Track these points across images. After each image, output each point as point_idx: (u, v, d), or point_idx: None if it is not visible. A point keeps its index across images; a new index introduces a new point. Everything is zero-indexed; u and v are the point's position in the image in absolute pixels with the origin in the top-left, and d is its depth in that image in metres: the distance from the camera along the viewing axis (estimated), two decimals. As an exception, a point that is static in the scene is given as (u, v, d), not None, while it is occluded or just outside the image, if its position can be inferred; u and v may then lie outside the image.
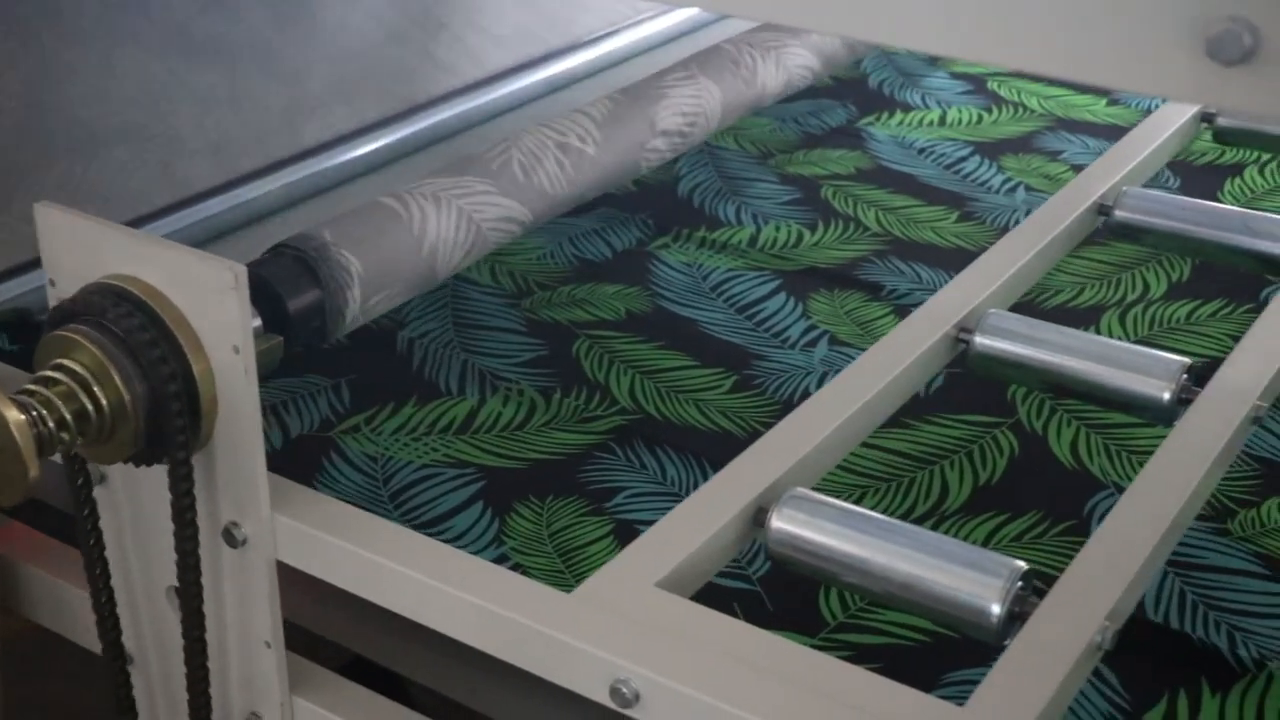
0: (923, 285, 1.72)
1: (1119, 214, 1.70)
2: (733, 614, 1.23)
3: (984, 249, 1.72)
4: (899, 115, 2.20)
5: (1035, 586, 1.08)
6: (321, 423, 1.47)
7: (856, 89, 2.28)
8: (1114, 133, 2.08)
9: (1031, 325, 1.43)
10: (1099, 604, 1.06)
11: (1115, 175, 1.77)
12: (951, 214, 1.90)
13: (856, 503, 1.35)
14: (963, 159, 2.06)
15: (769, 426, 1.46)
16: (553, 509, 1.35)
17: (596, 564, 1.26)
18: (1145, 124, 1.98)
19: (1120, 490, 1.38)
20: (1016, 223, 1.86)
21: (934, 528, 1.30)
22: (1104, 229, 1.74)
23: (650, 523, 1.18)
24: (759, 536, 1.17)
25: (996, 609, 1.04)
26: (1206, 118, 2.00)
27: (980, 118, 2.20)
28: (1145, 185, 1.87)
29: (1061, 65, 0.68)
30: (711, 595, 1.25)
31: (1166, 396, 1.32)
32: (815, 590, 1.26)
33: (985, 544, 1.31)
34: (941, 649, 1.20)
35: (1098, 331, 1.63)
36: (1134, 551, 1.12)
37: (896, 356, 1.38)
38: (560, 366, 1.56)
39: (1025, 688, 0.97)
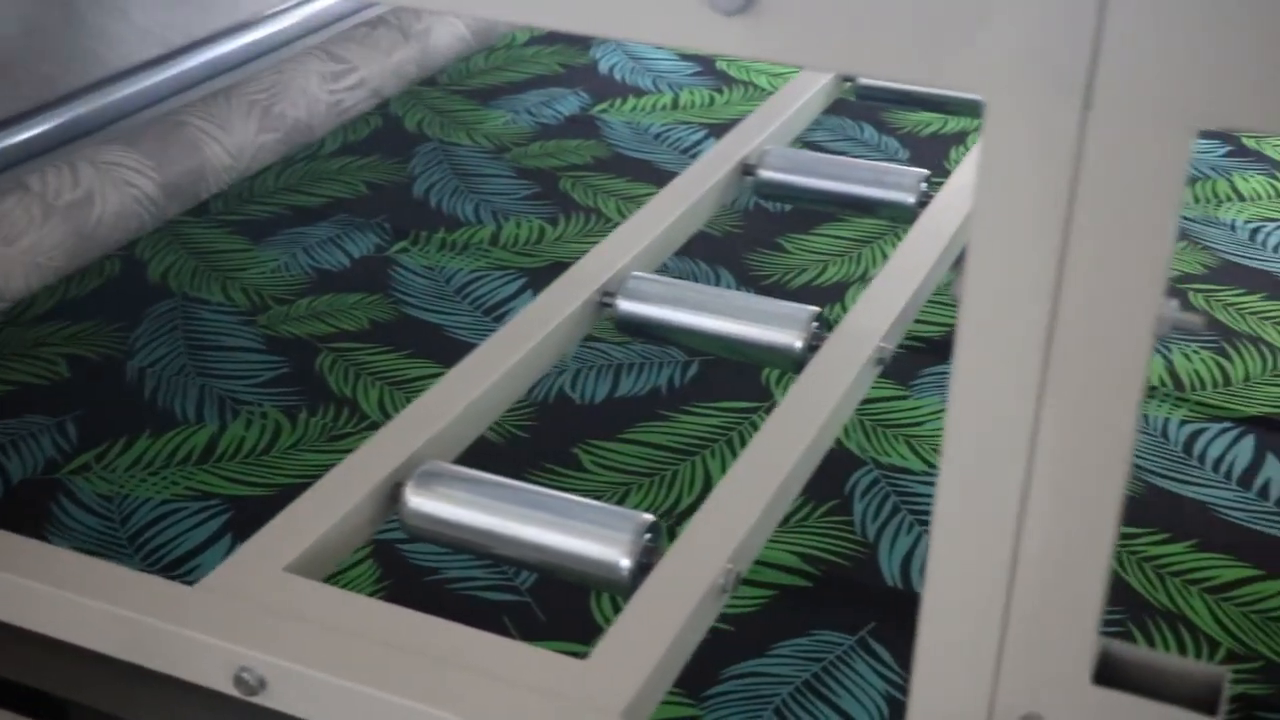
0: (668, 272, 1.71)
1: (763, 173, 1.71)
2: (502, 628, 1.19)
3: (728, 233, 1.71)
4: (631, 101, 2.18)
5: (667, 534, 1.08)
6: (46, 465, 1.37)
7: (587, 76, 2.26)
8: (861, 111, 2.11)
9: (672, 286, 1.43)
10: (720, 549, 1.06)
11: (759, 136, 1.77)
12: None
13: (619, 503, 1.33)
14: (698, 142, 2.05)
15: (526, 429, 1.42)
16: (306, 536, 1.28)
17: (356, 590, 1.21)
18: (790, 85, 1.98)
19: (879, 465, 1.39)
20: (757, 203, 1.87)
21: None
22: (750, 188, 1.75)
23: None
24: (395, 512, 1.14)
25: (626, 562, 1.05)
26: (848, 77, 2.03)
27: (712, 99, 2.20)
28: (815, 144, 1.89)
29: (596, 23, 0.69)
30: (478, 609, 1.21)
31: (798, 345, 1.35)
32: (586, 597, 1.23)
33: (753, 531, 1.30)
34: (717, 641, 1.18)
35: (844, 310, 1.64)
36: (755, 496, 1.13)
37: (539, 323, 1.36)
38: (304, 384, 1.50)
39: (649, 633, 0.98)
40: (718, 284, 1.69)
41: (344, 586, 1.23)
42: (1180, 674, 0.69)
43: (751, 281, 1.70)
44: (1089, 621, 0.67)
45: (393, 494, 1.13)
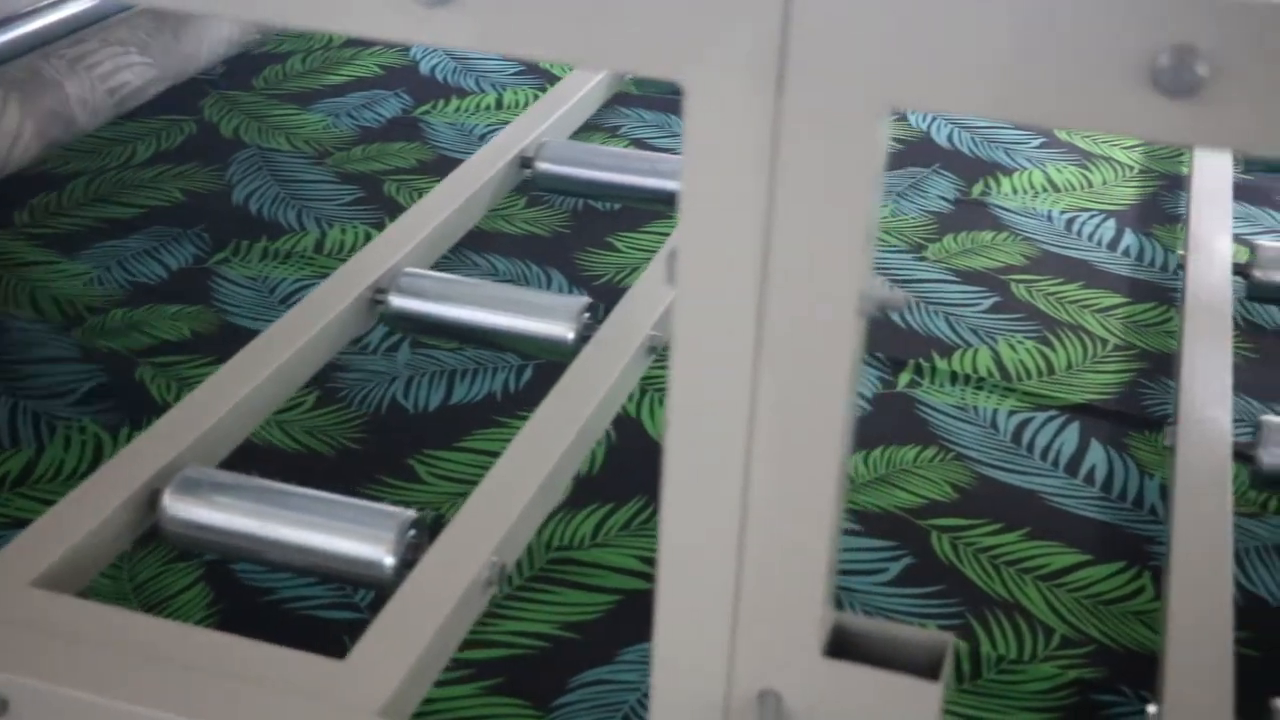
0: (498, 275, 1.69)
1: (541, 165, 1.70)
2: (342, 648, 1.16)
3: (557, 234, 1.69)
4: (455, 102, 2.15)
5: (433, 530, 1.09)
6: None
7: (408, 77, 2.22)
8: (670, 105, 2.11)
9: (444, 281, 1.43)
10: (485, 543, 1.07)
11: (537, 128, 1.76)
12: (519, 200, 1.87)
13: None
14: (524, 142, 2.03)
15: (358, 441, 1.39)
16: (135, 560, 1.23)
17: (187, 617, 1.17)
18: (569, 80, 1.98)
19: (718, 464, 1.39)
20: (587, 204, 1.85)
21: (538, 531, 1.27)
22: (530, 181, 1.74)
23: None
24: (153, 520, 1.12)
25: (389, 559, 1.05)
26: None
27: (536, 98, 2.18)
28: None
29: (300, 15, 0.68)
30: (317, 628, 1.18)
31: (570, 336, 1.35)
32: (428, 609, 1.21)
33: (594, 538, 1.29)
34: (564, 650, 1.17)
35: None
36: (519, 490, 1.13)
37: (310, 322, 1.34)
38: (125, 397, 1.44)
39: (409, 629, 0.98)
40: (549, 286, 1.68)
41: (173, 613, 1.19)
42: (907, 642, 0.72)
43: (583, 282, 1.68)
44: (816, 597, 0.69)
45: (150, 501, 1.10)
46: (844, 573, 1.26)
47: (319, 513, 1.08)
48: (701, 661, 0.72)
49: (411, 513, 1.07)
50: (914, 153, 2.03)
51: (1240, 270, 1.53)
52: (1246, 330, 1.64)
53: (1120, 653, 1.19)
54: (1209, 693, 0.97)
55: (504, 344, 1.40)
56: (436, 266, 1.55)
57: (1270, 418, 1.28)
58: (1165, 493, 1.36)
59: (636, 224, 1.82)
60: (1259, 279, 1.52)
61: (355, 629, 1.18)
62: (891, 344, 1.58)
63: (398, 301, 1.39)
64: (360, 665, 0.94)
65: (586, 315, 1.36)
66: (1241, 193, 1.94)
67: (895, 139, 2.06)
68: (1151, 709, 0.96)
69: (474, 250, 1.73)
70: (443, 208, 1.57)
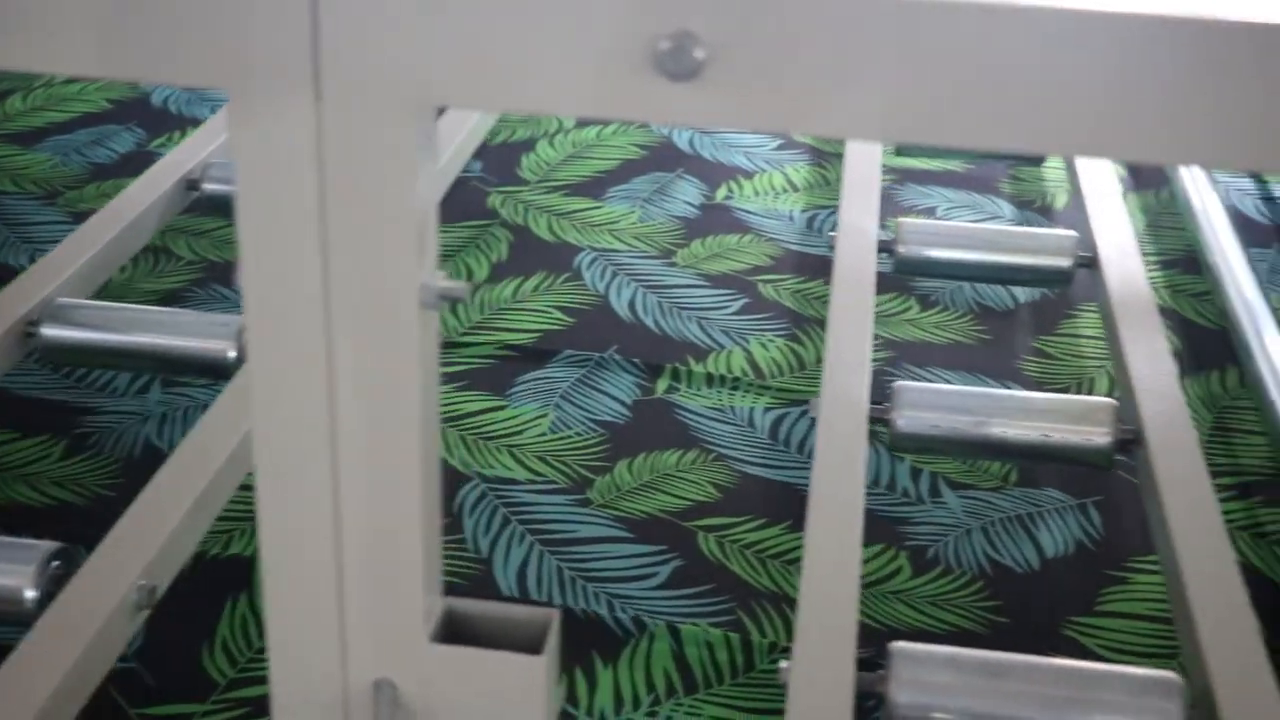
0: (173, 299, 1.66)
1: (207, 187, 1.66)
2: (111, 699, 1.13)
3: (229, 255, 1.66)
4: (190, 132, 2.10)
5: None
6: None
7: (140, 110, 2.17)
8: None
9: (100, 309, 1.38)
10: (131, 568, 1.06)
11: (204, 150, 1.71)
12: (198, 220, 1.83)
13: (223, 551, 1.28)
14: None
15: (112, 487, 1.36)
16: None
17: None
18: None
19: (485, 479, 1.39)
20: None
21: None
22: (198, 202, 1.71)
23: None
24: None
25: (31, 592, 1.04)
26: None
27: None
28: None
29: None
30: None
31: (232, 354, 1.33)
32: (197, 653, 1.18)
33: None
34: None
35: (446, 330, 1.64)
36: (168, 514, 1.12)
37: None
38: None
39: (48, 658, 0.97)
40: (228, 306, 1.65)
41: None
42: (513, 621, 0.74)
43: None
44: (418, 585, 0.70)
45: None
46: (614, 579, 1.28)
47: None
48: (315, 657, 0.73)
49: (53, 544, 1.05)
50: (658, 158, 2.07)
51: (885, 247, 1.58)
52: (979, 313, 1.72)
53: (883, 631, 1.23)
54: (835, 649, 1.01)
55: (165, 367, 1.37)
56: (103, 293, 1.50)
57: (903, 382, 1.34)
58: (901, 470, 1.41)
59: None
60: (902, 254, 1.57)
61: (122, 679, 1.15)
62: (648, 350, 1.61)
63: (51, 332, 1.34)
64: None
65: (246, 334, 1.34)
66: (965, 181, 2.04)
67: (639, 145, 2.10)
68: (784, 664, 0.99)
69: (149, 273, 1.70)
70: (104, 233, 1.51)
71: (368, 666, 0.72)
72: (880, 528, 1.36)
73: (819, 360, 1.60)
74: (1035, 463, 1.42)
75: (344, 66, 0.60)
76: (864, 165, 1.73)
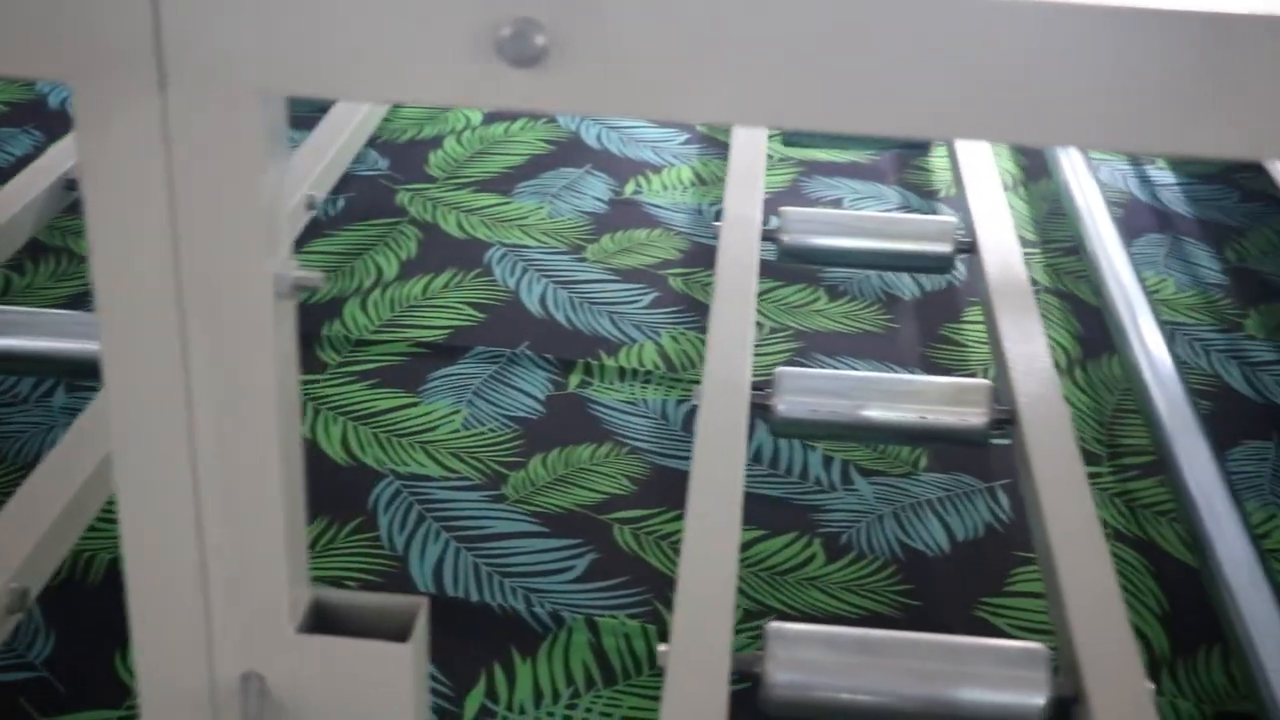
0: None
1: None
2: (19, 709, 1.12)
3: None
4: (91, 134, 2.07)
5: None
6: None
7: (37, 112, 2.13)
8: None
9: (1, 314, 1.37)
10: (2, 569, 1.05)
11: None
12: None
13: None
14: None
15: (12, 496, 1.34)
16: None
17: None
18: None
19: (399, 475, 1.39)
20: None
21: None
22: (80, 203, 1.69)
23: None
24: None
25: None
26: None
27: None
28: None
29: None
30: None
31: None
32: (110, 659, 1.17)
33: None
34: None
35: (343, 325, 1.63)
36: (41, 515, 1.12)
37: None
38: None
39: None
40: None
41: None
42: (381, 610, 0.75)
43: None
44: (282, 576, 0.70)
45: None
46: (531, 574, 1.29)
47: None
48: (181, 652, 0.72)
49: None
50: (565, 154, 2.07)
51: (770, 236, 1.60)
52: (885, 302, 1.75)
53: (797, 618, 1.25)
54: (712, 632, 1.02)
55: (68, 371, 1.36)
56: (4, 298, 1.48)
57: (784, 368, 1.36)
58: (829, 463, 1.43)
59: (300, 243, 1.79)
60: (787, 243, 1.60)
61: (31, 689, 1.14)
62: (559, 346, 1.61)
63: None
64: None
65: None
66: (868, 172, 2.06)
67: (546, 140, 2.10)
68: (663, 648, 1.00)
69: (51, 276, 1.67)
70: None
71: (235, 660, 0.72)
72: (794, 515, 1.37)
73: (730, 351, 1.61)
74: (914, 444, 1.44)
75: (187, 53, 0.59)
76: (749, 154, 1.75)
